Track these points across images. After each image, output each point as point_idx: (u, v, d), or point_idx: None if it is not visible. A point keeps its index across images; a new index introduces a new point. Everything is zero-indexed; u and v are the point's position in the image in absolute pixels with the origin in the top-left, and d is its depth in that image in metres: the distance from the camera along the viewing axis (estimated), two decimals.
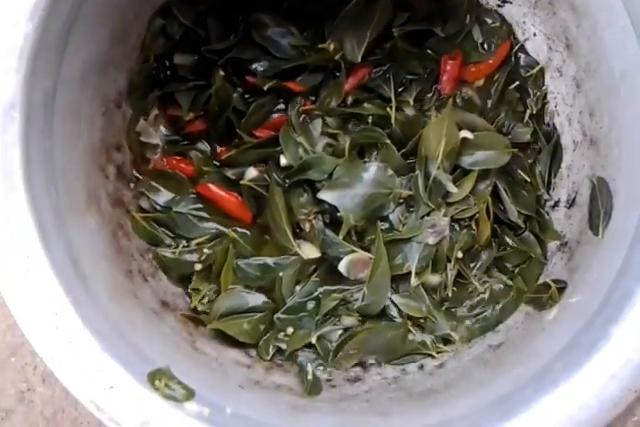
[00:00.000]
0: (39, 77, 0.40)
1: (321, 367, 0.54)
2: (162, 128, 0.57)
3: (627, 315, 0.36)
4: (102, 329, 0.40)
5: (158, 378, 0.39)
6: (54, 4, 0.39)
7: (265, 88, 0.54)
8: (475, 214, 0.55)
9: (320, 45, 0.54)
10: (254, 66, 0.55)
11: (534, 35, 0.56)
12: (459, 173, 0.54)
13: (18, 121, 0.39)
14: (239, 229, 0.56)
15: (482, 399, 0.41)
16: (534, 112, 0.56)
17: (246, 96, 0.56)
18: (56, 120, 0.43)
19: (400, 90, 0.57)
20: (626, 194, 0.45)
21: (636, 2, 0.40)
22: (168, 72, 0.56)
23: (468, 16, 0.56)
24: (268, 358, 0.54)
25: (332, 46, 0.54)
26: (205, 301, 0.55)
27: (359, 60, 0.54)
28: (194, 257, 0.55)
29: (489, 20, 0.57)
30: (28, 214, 0.38)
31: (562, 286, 0.49)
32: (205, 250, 0.55)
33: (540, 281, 0.53)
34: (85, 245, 0.44)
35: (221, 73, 0.53)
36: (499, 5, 0.56)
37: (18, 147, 0.39)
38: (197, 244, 0.55)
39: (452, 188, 0.54)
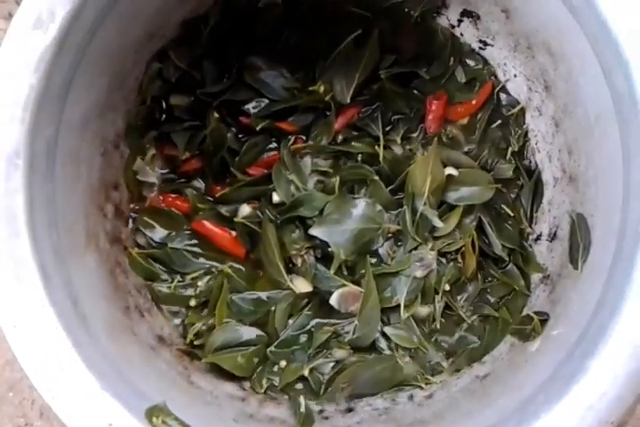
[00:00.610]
0: (42, 126, 0.42)
1: (313, 400, 0.55)
2: (158, 167, 0.58)
3: (601, 349, 0.38)
4: (101, 368, 0.41)
5: (156, 415, 0.41)
6: (58, 57, 0.41)
7: (258, 128, 0.56)
8: (461, 248, 0.57)
9: (311, 87, 0.56)
10: (247, 107, 0.57)
11: (515, 76, 0.58)
12: (444, 208, 0.56)
13: (21, 168, 0.40)
14: (233, 265, 0.57)
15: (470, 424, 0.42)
16: (516, 149, 0.59)
17: (240, 136, 0.58)
18: (57, 165, 0.44)
19: (388, 129, 0.59)
20: (602, 230, 0.47)
21: (605, 52, 0.42)
22: (164, 113, 0.58)
23: (452, 58, 0.59)
24: (262, 391, 0.55)
25: (322, 88, 0.56)
26: (200, 335, 0.57)
27: (348, 100, 0.56)
28: (189, 292, 0.57)
29: (471, 62, 0.60)
30: (30, 258, 0.40)
31: (544, 318, 0.51)
32: (199, 284, 0.57)
33: (524, 313, 0.55)
34: (85, 284, 0.46)
35: (216, 115, 0.56)
36: (480, 48, 0.59)
37: (21, 193, 0.40)
38: (192, 278, 0.57)
39: (438, 223, 0.56)
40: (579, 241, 0.50)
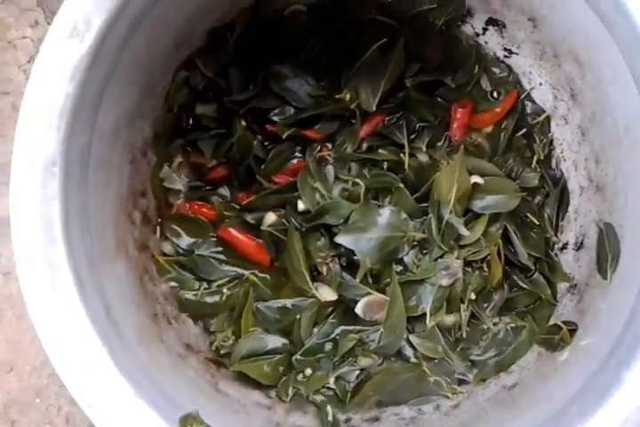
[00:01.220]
0: (77, 134, 0.42)
1: (339, 409, 0.55)
2: (185, 174, 0.59)
3: (637, 360, 0.38)
4: (135, 376, 0.41)
5: (190, 423, 0.41)
6: (93, 66, 0.42)
7: (284, 136, 0.57)
8: (486, 256, 0.56)
9: (337, 95, 0.57)
10: (273, 115, 0.57)
11: (540, 84, 0.58)
12: (470, 216, 0.56)
13: (58, 176, 0.41)
14: (258, 273, 0.58)
15: None
16: (541, 158, 0.59)
17: (266, 143, 0.59)
18: (90, 172, 0.45)
19: (413, 137, 0.59)
20: (633, 241, 0.47)
21: (637, 60, 0.43)
22: (191, 121, 0.58)
23: (477, 66, 0.59)
24: (287, 399, 0.55)
25: (348, 96, 0.57)
26: (227, 343, 0.57)
27: (374, 108, 0.57)
28: (215, 299, 0.57)
29: (496, 70, 0.60)
30: (66, 265, 0.40)
31: (572, 328, 0.51)
32: (225, 290, 0.57)
33: (551, 322, 0.54)
34: (115, 291, 0.46)
35: (242, 123, 0.56)
36: (505, 56, 0.59)
37: (57, 200, 0.41)
38: (218, 286, 0.57)
39: (464, 231, 0.56)
40: (607, 251, 0.50)
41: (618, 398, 0.38)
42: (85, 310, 0.40)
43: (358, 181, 0.57)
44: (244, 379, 0.55)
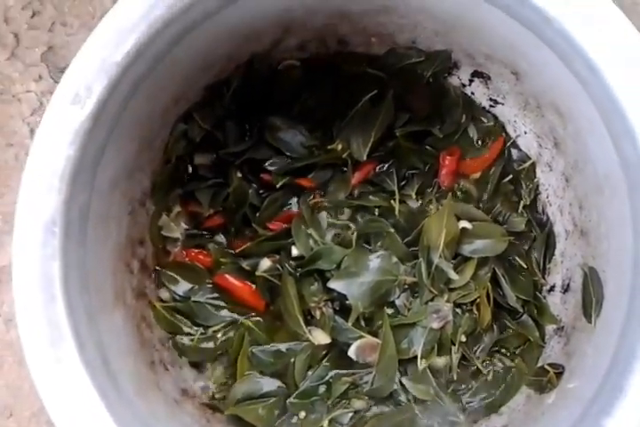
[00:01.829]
0: (76, 195, 0.44)
1: None
2: (182, 223, 0.61)
3: (617, 409, 0.39)
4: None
5: None
6: (93, 129, 0.44)
7: (278, 185, 0.59)
8: (476, 299, 0.58)
9: (329, 146, 0.59)
10: (268, 165, 0.60)
11: (525, 133, 0.60)
12: (459, 260, 0.58)
13: (58, 236, 0.43)
14: (253, 318, 0.59)
15: None
16: (527, 203, 0.60)
17: (261, 192, 0.61)
18: (89, 228, 0.46)
19: (403, 184, 0.61)
20: (615, 285, 0.48)
21: (612, 118, 0.44)
22: (188, 172, 0.60)
23: (464, 115, 0.61)
24: None
25: (340, 146, 0.59)
26: (222, 387, 0.58)
27: (365, 158, 0.59)
28: (210, 344, 0.59)
29: (483, 119, 0.62)
30: (65, 322, 0.42)
31: (559, 371, 0.52)
32: (220, 336, 0.59)
33: (540, 364, 0.56)
34: (113, 342, 0.48)
35: (239, 174, 0.58)
36: (491, 106, 0.61)
37: (57, 259, 0.42)
38: (214, 331, 0.59)
39: (453, 275, 0.57)
40: (591, 295, 0.51)
41: None
42: (84, 366, 0.42)
43: (351, 225, 0.59)
44: (239, 423, 0.56)
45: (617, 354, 0.43)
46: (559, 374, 0.52)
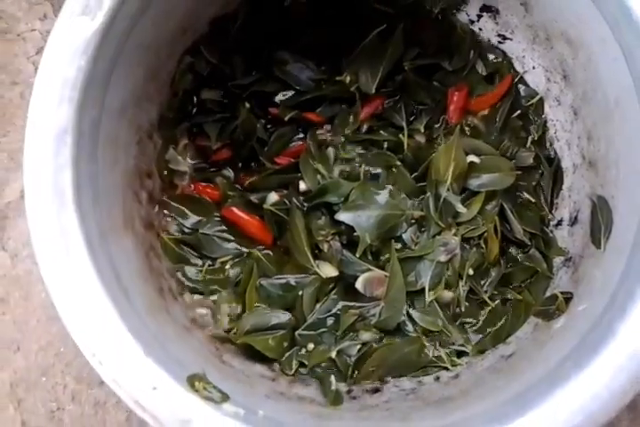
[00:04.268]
0: (88, 107, 0.44)
1: (341, 382, 0.56)
2: (190, 156, 0.61)
3: (631, 312, 0.39)
4: (144, 337, 0.43)
5: (197, 381, 0.42)
6: (103, 42, 0.44)
7: (286, 119, 0.59)
8: (483, 233, 0.58)
9: (337, 78, 0.59)
10: (276, 98, 0.59)
11: (533, 68, 0.60)
12: (467, 194, 0.58)
13: (69, 146, 0.42)
14: (262, 249, 0.59)
15: (497, 399, 0.43)
16: (535, 138, 0.60)
17: (268, 126, 0.61)
18: (99, 147, 0.47)
19: (411, 119, 0.61)
20: (624, 208, 0.48)
21: (626, 35, 0.45)
22: (196, 106, 0.60)
23: (472, 52, 0.61)
24: (291, 372, 0.56)
25: (348, 79, 0.59)
26: (229, 318, 0.58)
27: (373, 91, 0.59)
28: (218, 276, 0.59)
29: (491, 56, 0.62)
30: (77, 230, 0.42)
31: (568, 297, 0.52)
32: (228, 267, 0.59)
33: (547, 294, 0.56)
34: (124, 262, 0.48)
35: (247, 105, 0.58)
36: (499, 42, 0.61)
37: (69, 169, 0.42)
38: (221, 262, 0.59)
39: (461, 208, 0.57)
40: (600, 222, 0.52)
41: (612, 349, 0.39)
42: (97, 274, 0.42)
43: (358, 160, 0.59)
44: (249, 353, 0.56)
45: (629, 266, 0.43)
46: (567, 300, 0.52)
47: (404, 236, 0.59)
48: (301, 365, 0.57)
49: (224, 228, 0.60)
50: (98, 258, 0.43)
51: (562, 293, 0.53)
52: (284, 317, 0.58)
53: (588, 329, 0.43)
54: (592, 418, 0.38)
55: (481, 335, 0.57)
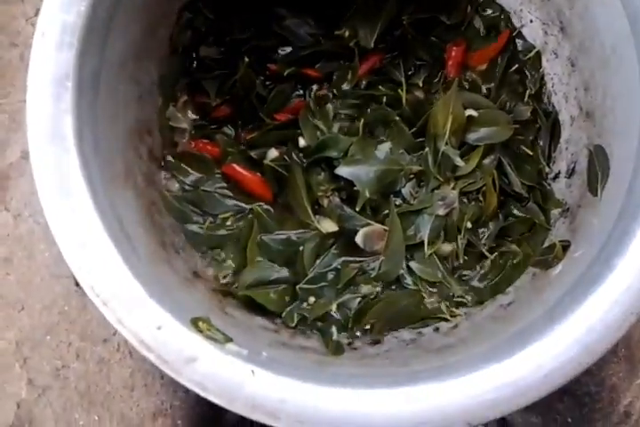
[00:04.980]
0: (88, 55, 0.44)
1: (342, 333, 0.57)
2: (189, 113, 0.61)
3: (627, 247, 0.40)
4: (147, 280, 0.43)
5: (201, 322, 0.43)
6: None
7: (285, 74, 0.59)
8: (481, 187, 0.59)
9: (336, 32, 0.59)
10: (275, 54, 0.60)
11: (530, 21, 0.60)
12: (465, 148, 0.58)
13: (70, 91, 0.43)
14: (262, 206, 0.60)
15: (496, 340, 0.44)
16: (533, 92, 0.61)
17: (267, 83, 0.61)
18: (100, 98, 0.47)
19: (409, 74, 0.61)
20: (620, 154, 0.49)
21: None
22: (195, 62, 0.60)
23: (469, 7, 0.61)
24: (293, 325, 0.57)
25: (346, 33, 0.59)
26: (231, 273, 0.59)
27: (372, 45, 0.59)
28: (220, 231, 0.59)
29: (489, 11, 0.62)
30: (79, 174, 0.42)
31: (565, 245, 0.53)
32: (229, 223, 0.59)
33: (545, 245, 0.56)
34: (126, 212, 0.48)
35: (246, 59, 0.58)
36: None
37: (70, 113, 0.43)
38: (223, 219, 0.59)
39: (459, 162, 0.58)
40: (597, 170, 0.52)
41: (608, 284, 0.40)
42: (100, 217, 0.42)
43: (357, 115, 0.59)
44: (250, 306, 0.56)
45: (624, 208, 0.44)
46: (565, 248, 0.52)
47: (402, 190, 0.59)
48: (303, 318, 0.58)
49: (225, 184, 0.60)
50: (100, 203, 0.43)
51: (560, 241, 0.53)
52: (284, 271, 0.59)
53: (586, 269, 0.43)
54: (588, 349, 0.39)
55: (480, 287, 0.58)
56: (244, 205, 0.60)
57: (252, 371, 0.41)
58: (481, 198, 0.59)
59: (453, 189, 0.59)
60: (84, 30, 0.43)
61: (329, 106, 0.61)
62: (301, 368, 0.45)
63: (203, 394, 0.40)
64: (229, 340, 0.43)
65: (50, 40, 0.43)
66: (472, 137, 0.58)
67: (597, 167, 0.52)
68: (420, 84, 0.61)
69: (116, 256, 0.42)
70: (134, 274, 0.42)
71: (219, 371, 0.40)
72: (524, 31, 0.61)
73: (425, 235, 0.58)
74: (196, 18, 0.59)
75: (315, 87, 0.61)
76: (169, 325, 0.41)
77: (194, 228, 0.59)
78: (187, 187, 0.60)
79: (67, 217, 0.41)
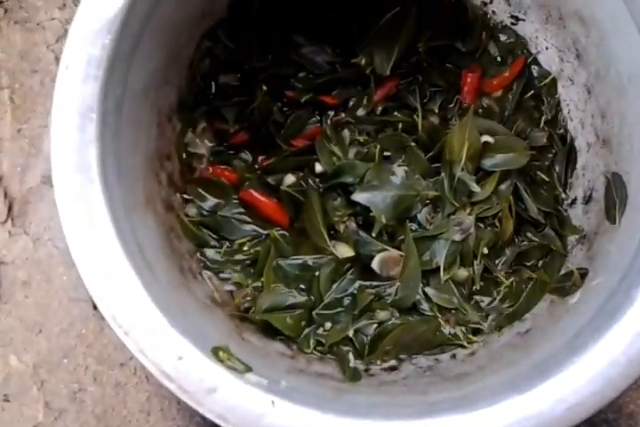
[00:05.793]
0: (112, 85, 0.45)
1: (359, 360, 0.57)
2: (208, 140, 0.61)
3: None
4: (169, 308, 0.43)
5: (221, 351, 0.43)
6: (126, 22, 0.45)
7: (302, 101, 0.60)
8: (498, 213, 0.59)
9: (352, 60, 0.59)
10: (292, 81, 0.60)
11: (546, 48, 0.61)
12: (481, 174, 0.59)
13: (95, 122, 0.44)
14: (279, 231, 0.60)
15: (515, 370, 0.44)
16: (549, 118, 0.61)
17: (285, 109, 0.62)
18: (123, 127, 0.47)
19: (425, 100, 0.62)
20: (638, 182, 0.49)
21: (637, 4, 0.45)
22: (214, 90, 0.61)
23: (484, 33, 0.62)
24: (309, 351, 0.57)
25: (363, 61, 0.60)
26: (248, 297, 0.59)
27: (388, 72, 0.59)
28: (237, 257, 0.60)
29: (504, 37, 0.62)
30: (103, 203, 0.43)
31: (583, 272, 0.53)
32: (246, 248, 0.60)
33: (562, 272, 0.56)
34: (147, 238, 0.49)
35: (264, 87, 0.58)
36: (512, 23, 0.62)
37: (94, 145, 0.43)
38: (240, 244, 0.60)
39: (475, 187, 0.58)
40: (615, 197, 0.52)
41: (630, 315, 0.40)
42: (121, 245, 0.43)
43: (373, 141, 0.60)
44: (267, 332, 0.57)
45: None
46: (583, 276, 0.52)
47: (418, 216, 0.59)
48: (319, 343, 0.58)
49: (242, 210, 0.60)
50: (122, 231, 0.44)
51: (577, 269, 0.53)
52: (301, 297, 0.59)
53: (605, 299, 0.43)
54: (611, 384, 0.39)
55: (497, 313, 0.58)
56: (260, 230, 0.60)
57: (272, 402, 0.41)
58: (497, 224, 0.59)
59: (469, 214, 0.59)
60: (109, 63, 0.44)
61: (345, 132, 0.61)
62: (320, 397, 0.45)
63: (223, 425, 0.40)
64: (249, 369, 0.44)
65: (75, 73, 0.43)
66: (488, 163, 0.59)
67: (615, 195, 0.52)
68: (436, 110, 0.61)
69: (137, 284, 0.42)
70: (155, 301, 0.43)
71: (239, 402, 0.41)
72: (540, 58, 0.62)
73: (441, 260, 0.58)
74: (215, 46, 0.59)
75: (331, 113, 0.61)
76: (190, 355, 0.42)
77: (211, 253, 0.59)
78: (204, 212, 0.60)
79: (89, 246, 0.42)
